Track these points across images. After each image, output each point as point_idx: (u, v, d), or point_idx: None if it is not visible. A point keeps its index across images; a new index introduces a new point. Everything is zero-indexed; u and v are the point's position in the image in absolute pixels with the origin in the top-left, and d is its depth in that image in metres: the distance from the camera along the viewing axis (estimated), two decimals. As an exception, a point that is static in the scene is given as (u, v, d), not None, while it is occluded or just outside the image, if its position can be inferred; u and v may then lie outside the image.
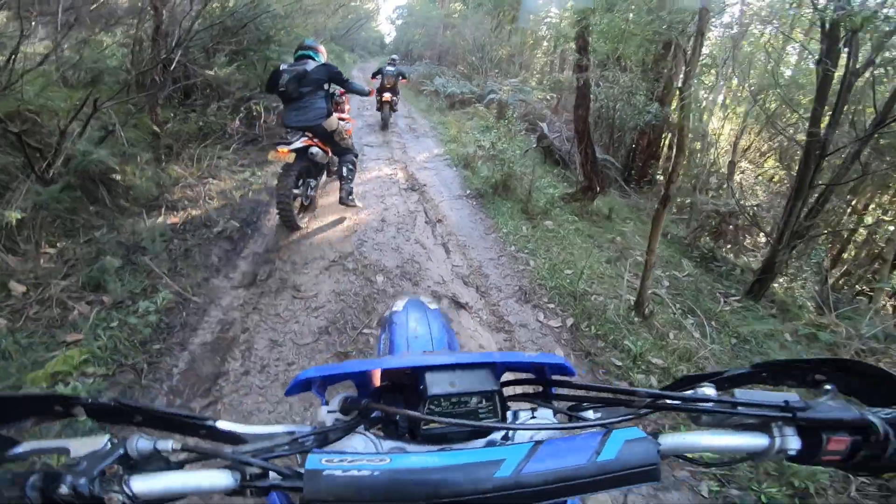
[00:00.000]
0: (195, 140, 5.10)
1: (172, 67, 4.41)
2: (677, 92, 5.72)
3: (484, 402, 0.46)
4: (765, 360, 0.47)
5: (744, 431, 0.41)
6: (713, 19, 6.86)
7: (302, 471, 0.34)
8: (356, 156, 3.84)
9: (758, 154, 8.80)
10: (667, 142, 8.09)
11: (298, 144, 3.15)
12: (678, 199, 7.88)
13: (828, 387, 0.43)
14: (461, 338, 2.74)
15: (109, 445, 0.35)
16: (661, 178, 9.30)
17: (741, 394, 0.42)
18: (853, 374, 0.43)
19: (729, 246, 5.79)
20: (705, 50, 7.16)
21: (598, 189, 5.49)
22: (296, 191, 3.33)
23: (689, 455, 0.44)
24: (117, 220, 3.50)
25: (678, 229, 6.70)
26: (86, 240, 3.15)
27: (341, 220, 4.18)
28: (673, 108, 6.66)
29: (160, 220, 3.65)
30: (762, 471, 1.92)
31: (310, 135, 3.28)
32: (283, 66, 3.30)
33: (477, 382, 0.46)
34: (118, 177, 3.77)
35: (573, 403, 0.51)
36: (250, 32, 5.82)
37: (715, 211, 5.65)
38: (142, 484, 0.33)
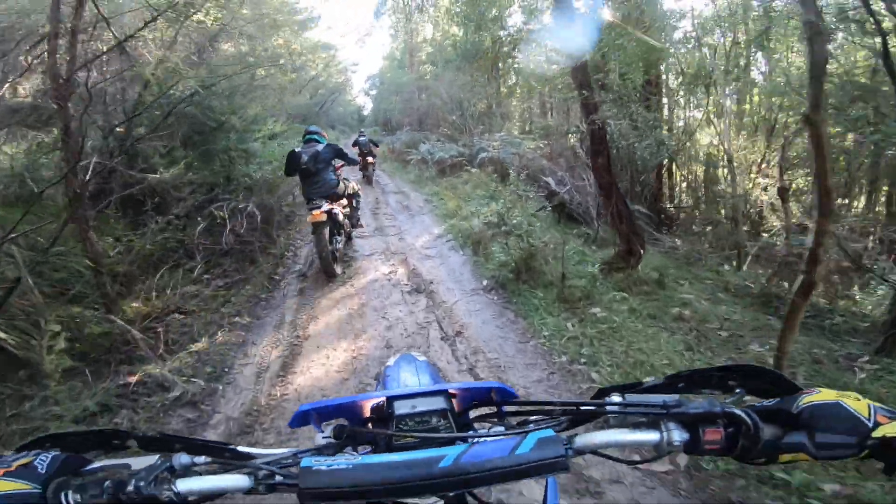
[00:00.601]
0: (151, 266, 4.09)
1: (87, 177, 3.47)
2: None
3: (442, 420, 0.59)
4: (677, 373, 0.52)
5: (639, 429, 0.49)
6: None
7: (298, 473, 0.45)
8: (359, 196, 5.24)
9: (768, 165, 7.90)
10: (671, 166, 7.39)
11: (326, 207, 3.97)
12: (707, 231, 7.10)
13: (738, 390, 0.52)
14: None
15: (160, 461, 0.47)
16: (672, 208, 8.67)
17: (634, 398, 0.52)
18: (757, 378, 0.51)
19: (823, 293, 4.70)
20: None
21: (641, 251, 4.47)
22: (330, 246, 4.07)
23: (608, 455, 0.54)
24: (53, 387, 2.56)
25: (733, 275, 5.61)
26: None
27: (334, 354, 3.17)
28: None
29: (106, 383, 2.71)
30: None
31: (327, 200, 4.09)
32: (298, 149, 4.21)
33: (430, 405, 0.61)
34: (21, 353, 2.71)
35: (522, 419, 0.59)
36: (194, 121, 4.82)
37: (792, 253, 4.60)
38: (184, 485, 0.45)
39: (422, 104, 16.54)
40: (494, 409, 0.64)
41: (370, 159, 9.70)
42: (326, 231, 4.00)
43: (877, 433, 0.43)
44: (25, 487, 0.41)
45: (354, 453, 0.57)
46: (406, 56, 22.43)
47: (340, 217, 4.30)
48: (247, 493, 0.48)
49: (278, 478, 0.48)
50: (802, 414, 0.45)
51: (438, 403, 0.61)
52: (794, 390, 0.49)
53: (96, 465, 0.48)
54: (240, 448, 0.54)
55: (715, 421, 0.47)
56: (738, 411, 0.46)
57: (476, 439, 0.51)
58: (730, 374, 0.52)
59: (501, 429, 0.60)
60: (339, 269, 4.35)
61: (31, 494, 0.40)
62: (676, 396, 0.50)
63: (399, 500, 0.53)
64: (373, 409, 0.68)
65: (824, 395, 0.46)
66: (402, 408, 0.60)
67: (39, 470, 0.43)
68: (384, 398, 0.63)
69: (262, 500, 1.11)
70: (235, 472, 0.49)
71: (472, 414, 0.65)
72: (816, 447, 0.44)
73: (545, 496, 0.71)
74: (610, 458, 0.56)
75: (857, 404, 0.45)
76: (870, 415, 0.44)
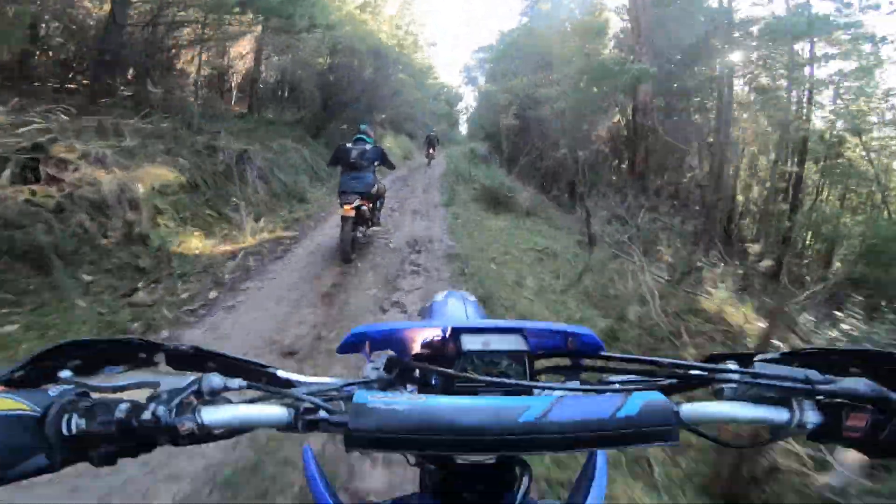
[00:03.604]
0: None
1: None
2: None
3: (514, 364, 0.49)
4: (795, 349, 0.46)
5: (763, 404, 0.41)
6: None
7: (347, 410, 0.39)
8: (384, 198, 5.49)
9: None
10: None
11: (356, 204, 4.38)
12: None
13: (862, 378, 0.41)
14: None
15: (189, 382, 0.39)
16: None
17: (763, 367, 0.43)
18: (890, 367, 0.41)
19: None
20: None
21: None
22: (353, 234, 4.52)
23: (711, 436, 0.46)
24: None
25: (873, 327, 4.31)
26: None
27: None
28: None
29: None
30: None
31: (360, 197, 4.48)
32: (347, 145, 4.65)
33: (507, 344, 0.50)
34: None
35: (601, 375, 0.52)
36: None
37: None
38: (210, 414, 0.38)
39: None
40: (569, 361, 0.54)
41: (431, 150, 14.28)
42: (351, 223, 4.46)
43: None
44: (23, 407, 0.33)
45: (407, 391, 0.50)
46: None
47: (366, 215, 4.84)
48: (283, 430, 0.41)
49: (322, 413, 0.40)
50: None
51: (517, 343, 0.50)
52: None
53: (120, 381, 0.39)
54: (280, 372, 0.47)
55: (861, 403, 0.38)
56: (893, 395, 0.37)
57: (566, 392, 0.43)
58: (855, 357, 0.44)
59: (576, 383, 0.51)
60: (353, 256, 4.88)
61: (26, 416, 0.33)
62: (805, 371, 0.40)
63: (461, 456, 0.45)
64: (425, 345, 0.58)
65: None
66: (471, 343, 0.49)
67: (51, 390, 0.36)
68: (449, 329, 0.53)
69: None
70: (273, 403, 0.41)
71: (540, 365, 0.54)
72: None
73: (587, 470, 0.60)
74: (707, 437, 0.46)
75: None
76: None
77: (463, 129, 31.32)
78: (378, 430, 0.35)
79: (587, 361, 0.54)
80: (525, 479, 0.50)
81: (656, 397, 0.38)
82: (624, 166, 12.78)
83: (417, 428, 0.35)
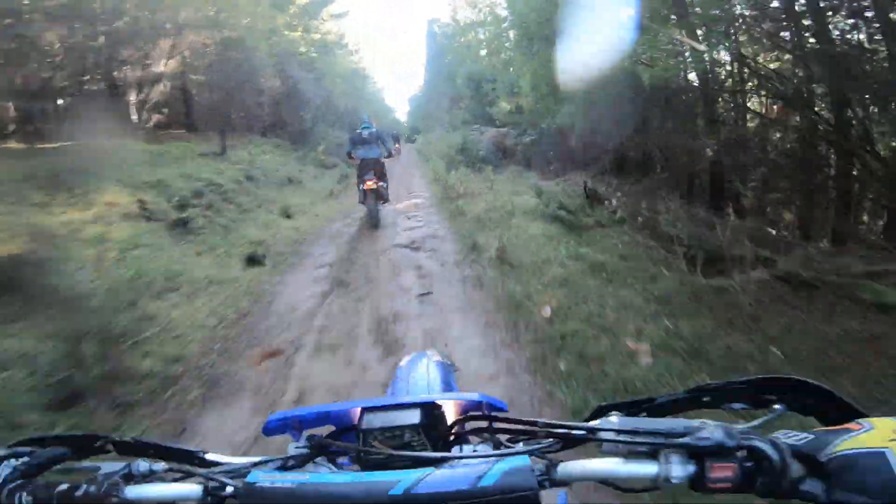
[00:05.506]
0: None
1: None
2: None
3: (416, 435, 0.53)
4: (701, 384, 0.47)
5: (635, 459, 0.42)
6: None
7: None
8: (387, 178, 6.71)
9: None
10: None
11: (374, 178, 5.82)
12: None
13: (777, 406, 0.45)
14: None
15: (123, 465, 0.48)
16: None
17: (632, 422, 0.44)
18: (802, 393, 0.44)
19: None
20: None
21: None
22: (376, 206, 6.02)
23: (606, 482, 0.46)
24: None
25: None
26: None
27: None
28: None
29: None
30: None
31: (373, 171, 5.93)
32: (357, 131, 6.32)
33: (405, 419, 0.54)
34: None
35: (511, 436, 0.53)
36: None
37: None
38: (133, 492, 0.45)
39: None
40: (486, 423, 0.58)
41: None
42: (375, 195, 5.90)
43: None
44: None
45: (331, 466, 0.55)
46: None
47: (383, 190, 6.28)
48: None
49: (229, 489, 0.46)
50: (831, 463, 0.36)
51: (411, 418, 0.54)
52: (849, 413, 0.40)
53: (69, 465, 0.50)
54: (209, 455, 0.53)
55: (729, 454, 0.39)
56: (760, 444, 0.37)
57: (447, 463, 0.47)
58: (766, 387, 0.45)
59: (488, 447, 0.54)
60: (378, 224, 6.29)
61: None
62: (685, 422, 0.42)
63: None
64: (351, 422, 0.63)
65: (871, 439, 0.35)
66: (373, 421, 0.55)
67: (5, 472, 0.45)
68: (359, 409, 0.58)
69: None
70: (190, 481, 0.48)
71: (469, 426, 0.58)
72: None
73: None
74: (606, 483, 0.48)
75: None
76: None
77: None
78: None
79: (498, 424, 0.56)
80: None
81: (520, 463, 0.41)
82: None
83: (296, 502, 0.41)
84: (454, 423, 0.57)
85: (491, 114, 16.16)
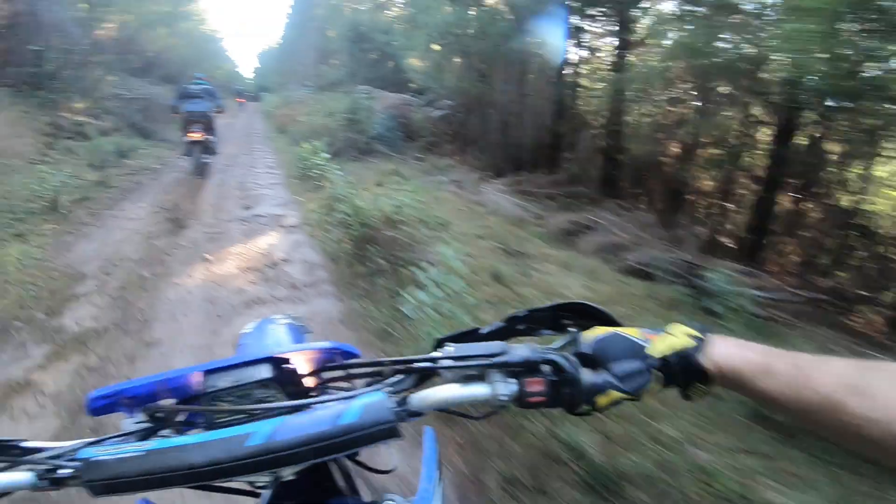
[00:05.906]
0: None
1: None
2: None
3: (267, 391, 0.52)
4: (513, 314, 0.52)
5: (470, 382, 0.46)
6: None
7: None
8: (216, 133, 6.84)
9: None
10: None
11: (200, 131, 5.94)
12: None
13: (572, 329, 0.51)
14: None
15: None
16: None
17: (467, 348, 0.47)
18: (587, 315, 0.51)
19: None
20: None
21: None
22: (202, 159, 6.28)
23: (454, 411, 0.51)
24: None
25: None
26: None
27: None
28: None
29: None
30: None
31: (200, 125, 6.01)
32: (185, 85, 6.45)
33: (253, 375, 0.52)
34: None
35: (370, 379, 0.53)
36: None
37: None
38: None
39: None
40: (342, 372, 0.58)
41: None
42: (201, 147, 6.07)
43: (650, 350, 0.44)
44: None
45: (171, 434, 0.52)
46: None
47: (210, 142, 6.39)
48: (35, 490, 0.44)
49: (63, 471, 0.44)
50: (596, 351, 0.46)
51: (260, 373, 0.52)
52: (613, 325, 0.49)
53: None
54: (27, 443, 0.50)
55: (538, 369, 0.45)
56: (553, 356, 0.44)
57: (304, 410, 0.46)
58: (562, 312, 0.51)
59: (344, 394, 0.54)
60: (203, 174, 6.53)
61: None
62: (503, 345, 0.47)
63: (219, 483, 0.44)
64: (196, 388, 0.59)
65: (601, 330, 0.47)
66: (219, 381, 0.52)
67: None
68: (202, 372, 0.54)
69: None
70: (17, 470, 0.45)
71: (326, 376, 0.58)
72: (619, 379, 0.43)
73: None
74: (457, 413, 0.53)
75: (629, 330, 0.47)
76: (640, 335, 0.46)
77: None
78: (113, 478, 0.39)
79: (352, 370, 0.57)
80: (344, 481, 0.59)
81: (375, 398, 0.43)
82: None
83: (147, 470, 0.39)
84: (309, 375, 0.56)
85: (383, 74, 13.39)
